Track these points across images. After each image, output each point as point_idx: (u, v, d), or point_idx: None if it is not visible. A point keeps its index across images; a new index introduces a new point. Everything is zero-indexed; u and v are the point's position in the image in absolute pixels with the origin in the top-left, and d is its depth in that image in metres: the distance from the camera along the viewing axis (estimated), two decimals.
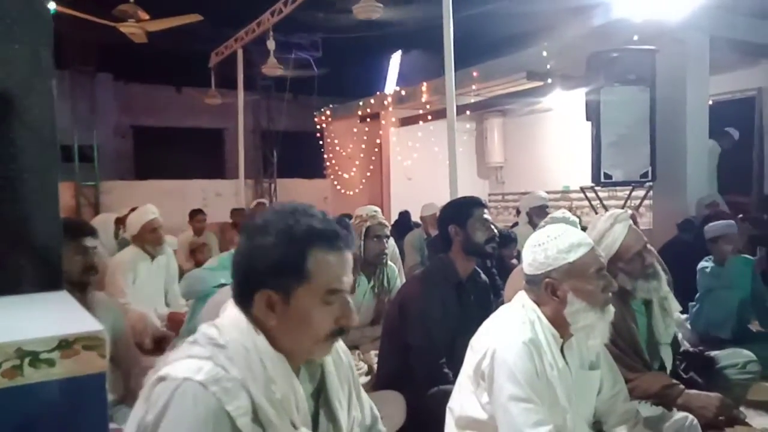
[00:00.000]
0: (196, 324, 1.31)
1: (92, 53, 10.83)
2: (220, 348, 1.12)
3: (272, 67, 8.28)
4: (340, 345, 1.36)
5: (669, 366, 2.55)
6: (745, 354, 2.93)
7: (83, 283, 2.43)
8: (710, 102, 7.10)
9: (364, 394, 1.45)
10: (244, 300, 1.19)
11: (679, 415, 2.15)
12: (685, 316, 3.78)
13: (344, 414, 1.28)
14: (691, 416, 2.12)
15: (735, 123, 7.38)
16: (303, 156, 12.46)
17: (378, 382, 2.74)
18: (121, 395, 2.50)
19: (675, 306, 2.62)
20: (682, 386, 2.34)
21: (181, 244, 6.29)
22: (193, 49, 9.67)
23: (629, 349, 2.41)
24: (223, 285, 2.86)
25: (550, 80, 8.21)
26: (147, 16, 6.86)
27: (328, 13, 9.44)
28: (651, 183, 6.53)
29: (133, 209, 5.27)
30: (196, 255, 6.35)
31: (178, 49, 9.57)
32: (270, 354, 1.14)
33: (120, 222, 5.60)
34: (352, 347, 3.21)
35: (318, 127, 12.66)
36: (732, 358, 2.91)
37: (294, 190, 12.24)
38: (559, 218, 3.07)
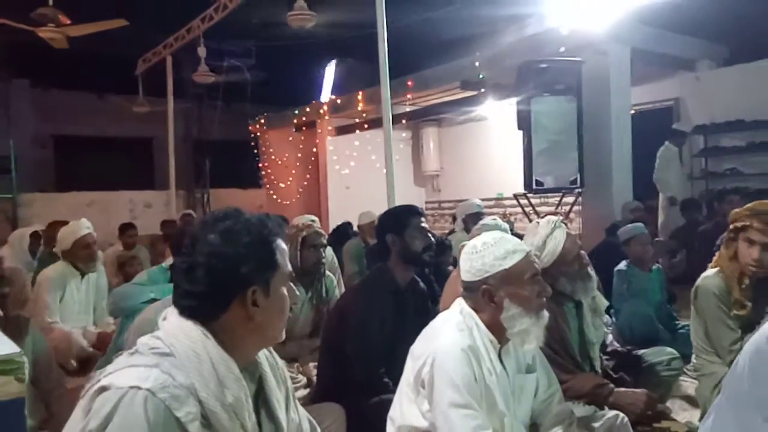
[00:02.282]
0: (124, 342, 1.26)
1: (7, 59, 10.25)
2: (166, 356, 1.12)
3: (203, 75, 8.09)
4: (273, 352, 1.38)
5: (598, 366, 2.63)
6: (668, 351, 3.08)
7: None
8: (632, 111, 7.47)
9: (299, 405, 1.45)
10: (215, 310, 1.18)
11: (610, 413, 2.22)
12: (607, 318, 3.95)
13: (283, 414, 1.29)
14: (621, 414, 2.19)
15: (655, 131, 7.79)
16: (237, 165, 12.22)
17: (317, 395, 2.70)
18: (43, 420, 2.35)
19: (603, 303, 2.72)
20: (611, 385, 2.43)
21: (109, 259, 6.02)
22: (118, 55, 9.31)
23: (562, 351, 2.49)
24: (153, 300, 2.74)
25: (483, 90, 8.40)
26: (68, 21, 6.53)
27: (262, 21, 9.32)
28: (580, 189, 6.79)
29: (53, 223, 5.00)
30: (125, 269, 6.08)
31: (102, 54, 9.20)
32: (221, 358, 1.14)
33: (36, 236, 5.31)
34: (291, 360, 3.16)
35: (252, 135, 12.45)
36: (657, 355, 3.06)
37: (228, 200, 11.96)
38: (490, 225, 3.14)
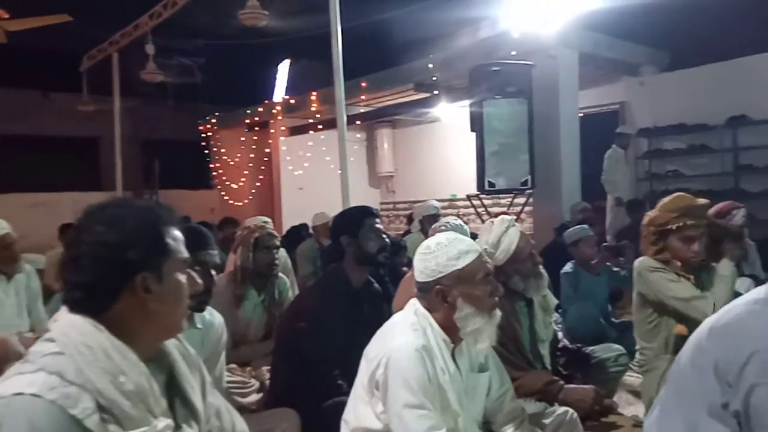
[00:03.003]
0: None
1: None
2: (53, 355, 1.08)
3: (152, 73, 7.89)
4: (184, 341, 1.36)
5: (548, 363, 2.69)
6: (615, 348, 3.19)
7: None
8: (581, 114, 7.68)
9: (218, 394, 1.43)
10: (105, 300, 1.14)
11: (560, 409, 2.26)
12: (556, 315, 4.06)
13: (198, 398, 1.27)
14: (571, 410, 2.24)
15: (602, 134, 8.03)
16: (188, 166, 11.94)
17: (270, 399, 2.66)
18: None
19: (553, 301, 2.79)
20: (561, 382, 2.48)
21: (51, 261, 5.77)
22: (61, 51, 8.96)
23: (514, 349, 2.53)
24: None
25: (436, 92, 8.48)
26: (7, 15, 6.26)
27: (213, 19, 9.15)
28: (531, 190, 6.93)
29: None
30: None
31: (44, 50, 8.84)
32: (114, 346, 1.11)
33: None
34: (243, 364, 3.10)
35: (203, 135, 12.20)
36: (605, 352, 3.15)
37: (179, 201, 11.63)
38: (453, 224, 3.17)
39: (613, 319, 4.18)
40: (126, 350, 1.12)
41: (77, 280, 1.13)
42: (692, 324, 2.46)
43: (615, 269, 4.43)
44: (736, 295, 2.42)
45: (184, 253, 1.24)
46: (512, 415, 2.00)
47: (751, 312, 1.62)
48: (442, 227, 3.10)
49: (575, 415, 2.22)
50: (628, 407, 3.02)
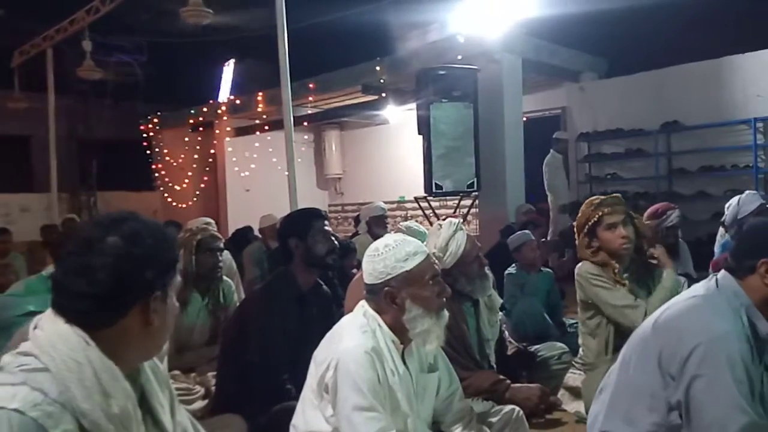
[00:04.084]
0: None
1: None
2: (38, 371, 1.03)
3: (89, 70, 7.60)
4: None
5: (494, 362, 2.74)
6: (559, 346, 3.28)
7: None
8: (524, 118, 7.88)
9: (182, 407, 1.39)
10: (114, 315, 1.11)
11: (507, 408, 2.30)
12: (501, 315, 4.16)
13: (167, 417, 1.24)
14: (517, 408, 2.28)
15: (545, 138, 8.26)
16: (128, 166, 11.57)
17: (216, 406, 2.61)
18: None
19: (498, 300, 2.85)
20: (508, 381, 2.54)
21: None
22: None
23: (462, 349, 2.57)
24: (32, 313, 2.50)
25: (384, 94, 8.52)
26: None
27: (154, 16, 8.90)
28: (477, 192, 7.05)
29: None
30: None
31: None
32: (105, 366, 1.07)
33: None
34: (187, 370, 3.03)
35: (144, 135, 11.85)
36: (550, 350, 3.24)
37: (118, 203, 11.26)
38: (413, 228, 3.20)
39: (564, 319, 4.31)
40: (115, 371, 1.09)
41: (89, 291, 1.08)
42: (626, 330, 2.59)
43: (547, 269, 4.59)
44: None
45: (177, 278, 1.24)
46: (461, 414, 2.03)
47: (692, 308, 1.70)
48: (404, 229, 3.12)
49: (521, 413, 2.27)
50: (571, 404, 3.10)
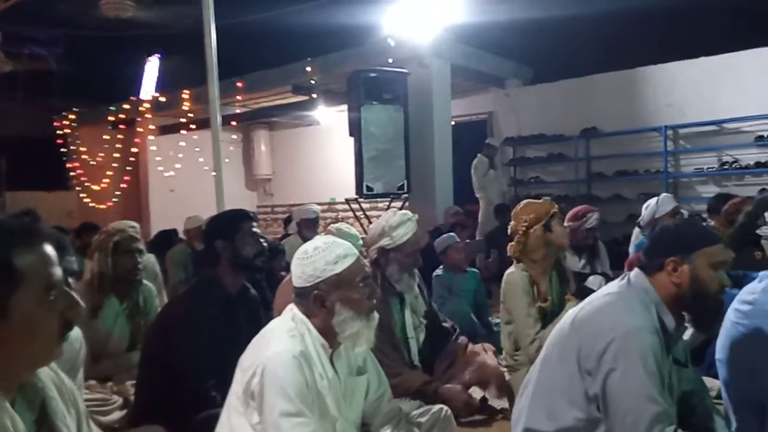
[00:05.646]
0: None
1: None
2: None
3: None
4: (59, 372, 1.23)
5: (418, 361, 2.80)
6: (487, 346, 3.34)
7: None
8: (453, 122, 8.03)
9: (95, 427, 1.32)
10: None
11: (435, 407, 2.33)
12: None
13: None
14: (445, 407, 2.32)
15: (473, 142, 8.47)
16: (40, 165, 10.95)
17: (136, 416, 2.50)
18: None
19: (422, 307, 2.91)
20: (436, 383, 2.58)
21: None
22: None
23: (389, 347, 2.59)
24: None
25: (314, 95, 8.46)
26: None
27: (73, 6, 8.44)
28: (407, 194, 7.12)
29: None
30: None
31: None
32: None
33: None
34: (104, 379, 2.90)
35: (59, 132, 11.23)
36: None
37: (30, 204, 10.60)
38: (343, 230, 3.19)
39: (489, 319, 4.41)
40: None
41: None
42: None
43: (473, 269, 4.71)
44: (589, 291, 2.67)
45: (49, 278, 1.07)
46: (390, 416, 2.03)
47: (607, 305, 1.78)
48: (336, 232, 3.11)
49: (449, 411, 2.30)
50: (498, 401, 3.17)
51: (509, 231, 3.09)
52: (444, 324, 3.11)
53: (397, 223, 2.73)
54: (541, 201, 3.09)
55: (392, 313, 2.68)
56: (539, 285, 2.92)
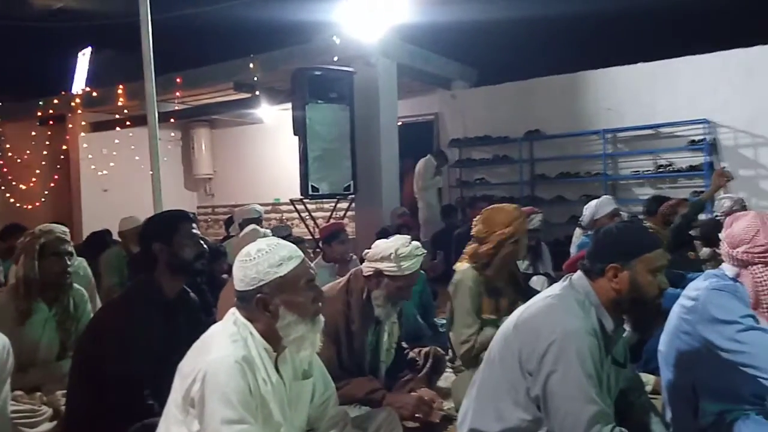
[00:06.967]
0: None
1: None
2: None
3: None
4: None
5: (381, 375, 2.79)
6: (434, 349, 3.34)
7: None
8: (399, 123, 8.05)
9: None
10: None
11: (381, 412, 2.32)
12: None
13: None
14: (391, 411, 2.31)
15: (419, 142, 8.51)
16: None
17: (67, 427, 2.39)
18: None
19: (396, 334, 2.90)
20: (383, 390, 2.60)
21: None
22: None
23: (348, 360, 2.60)
24: None
25: (257, 92, 8.31)
26: None
27: None
28: (353, 195, 7.08)
29: None
30: None
31: None
32: None
33: None
34: (32, 389, 2.75)
35: None
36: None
37: None
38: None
39: (435, 320, 4.42)
40: None
41: None
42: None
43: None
44: (533, 292, 2.70)
45: None
46: (335, 420, 2.01)
47: (548, 307, 1.81)
48: (247, 235, 3.04)
49: (394, 413, 2.29)
50: (447, 404, 3.17)
51: (473, 233, 3.04)
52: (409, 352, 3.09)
53: (407, 253, 2.64)
54: (513, 210, 3.01)
55: (367, 333, 2.66)
56: (500, 293, 2.95)
